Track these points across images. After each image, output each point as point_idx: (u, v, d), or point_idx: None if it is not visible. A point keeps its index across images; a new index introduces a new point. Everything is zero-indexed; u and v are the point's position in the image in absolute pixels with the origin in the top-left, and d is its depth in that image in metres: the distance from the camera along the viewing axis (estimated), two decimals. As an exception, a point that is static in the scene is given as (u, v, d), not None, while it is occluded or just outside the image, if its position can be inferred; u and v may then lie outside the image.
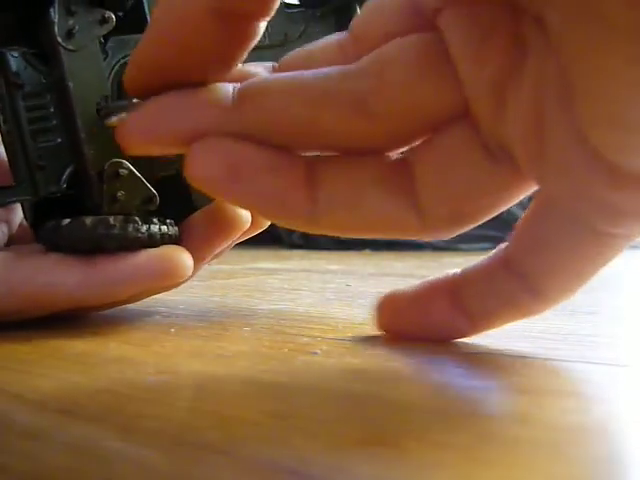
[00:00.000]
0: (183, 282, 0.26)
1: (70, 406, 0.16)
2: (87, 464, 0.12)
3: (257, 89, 0.19)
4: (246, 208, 0.23)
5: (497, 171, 0.20)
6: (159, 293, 0.28)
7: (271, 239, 1.04)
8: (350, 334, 0.26)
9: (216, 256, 0.28)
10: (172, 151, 0.19)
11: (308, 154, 0.20)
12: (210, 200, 0.26)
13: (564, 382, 0.19)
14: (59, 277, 0.24)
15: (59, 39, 0.24)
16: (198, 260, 0.26)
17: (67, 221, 0.24)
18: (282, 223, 0.20)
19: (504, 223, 1.24)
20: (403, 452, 0.13)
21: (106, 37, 0.26)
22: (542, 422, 0.15)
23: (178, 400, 0.17)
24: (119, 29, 0.26)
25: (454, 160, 0.20)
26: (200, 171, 0.19)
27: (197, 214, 0.27)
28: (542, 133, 0.18)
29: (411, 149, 0.21)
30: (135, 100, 0.20)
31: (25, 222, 0.28)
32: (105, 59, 0.25)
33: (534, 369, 0.21)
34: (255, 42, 0.19)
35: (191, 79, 0.19)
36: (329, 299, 0.38)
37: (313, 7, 0.28)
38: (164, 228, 0.25)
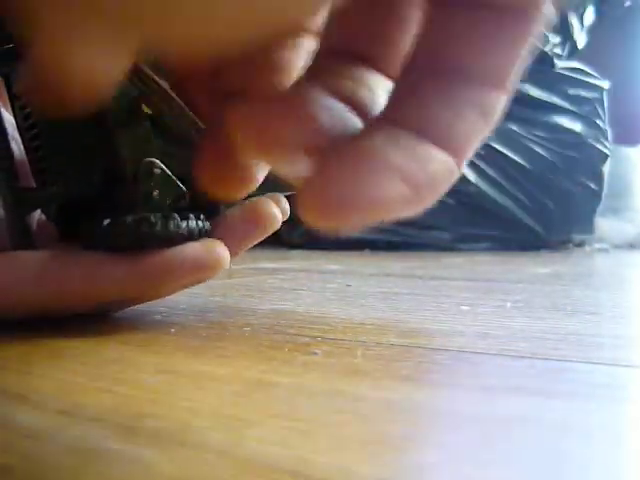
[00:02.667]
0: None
1: (70, 406, 0.16)
2: (87, 464, 0.12)
3: None
4: None
5: None
6: (194, 285, 0.28)
7: (271, 239, 1.03)
8: (350, 334, 0.26)
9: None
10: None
11: None
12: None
13: (565, 382, 0.19)
14: (108, 272, 0.24)
15: None
16: (232, 255, 0.26)
17: (107, 221, 0.24)
18: None
19: (504, 223, 1.24)
20: (403, 452, 0.13)
21: None
22: (542, 422, 0.15)
23: (178, 400, 0.17)
24: None
25: None
26: None
27: (233, 210, 0.28)
28: None
29: None
30: None
31: (42, 218, 0.28)
32: None
33: (534, 369, 0.21)
34: None
35: None
36: (329, 299, 0.38)
37: None
38: (200, 224, 0.26)
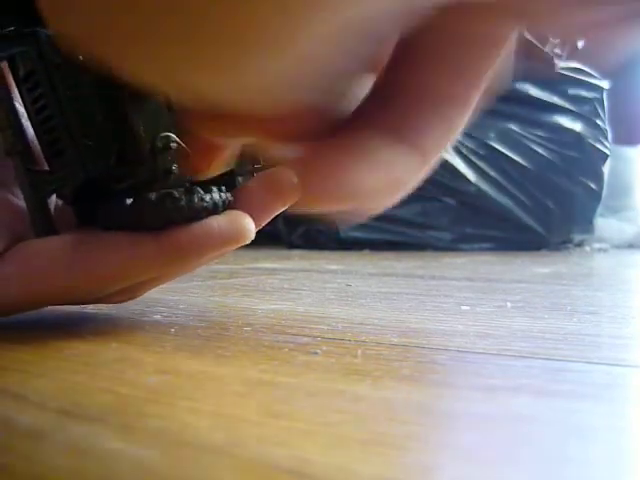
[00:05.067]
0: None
1: (70, 406, 0.16)
2: (87, 464, 0.12)
3: None
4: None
5: None
6: (219, 258, 0.28)
7: (271, 239, 1.04)
8: (350, 334, 0.26)
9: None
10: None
11: None
12: (251, 165, 0.27)
13: (565, 382, 0.19)
14: (136, 251, 0.24)
15: None
16: (255, 226, 0.26)
17: (130, 200, 0.24)
18: None
19: (504, 223, 1.24)
20: (403, 452, 0.13)
21: None
22: (542, 422, 0.15)
23: (178, 400, 0.17)
24: None
25: None
26: None
27: (252, 181, 0.27)
28: None
29: None
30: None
31: (60, 203, 0.28)
32: None
33: (534, 369, 0.21)
34: None
35: None
36: (329, 299, 0.38)
37: None
38: (222, 195, 0.25)
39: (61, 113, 0.24)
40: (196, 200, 0.24)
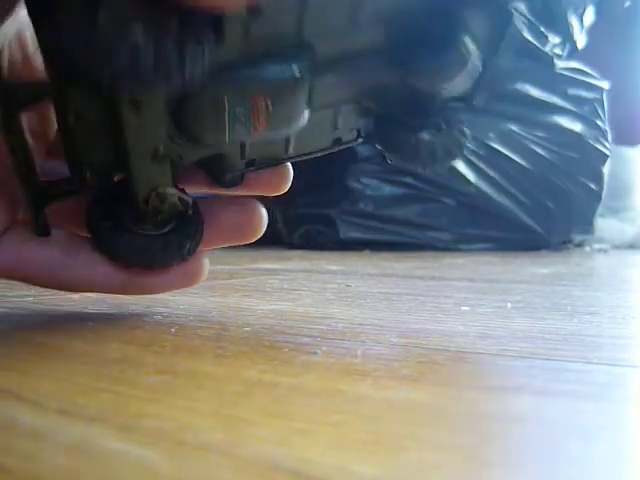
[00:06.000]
0: None
1: (70, 406, 0.16)
2: (87, 464, 0.12)
3: None
4: None
5: None
6: None
7: (271, 239, 1.04)
8: (350, 334, 0.26)
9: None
10: None
11: None
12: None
13: (565, 382, 0.19)
14: (106, 278, 0.27)
15: None
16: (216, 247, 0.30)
17: (115, 233, 0.26)
18: None
19: (504, 223, 1.24)
20: (403, 452, 0.13)
21: None
22: (542, 422, 0.15)
23: (178, 400, 0.17)
24: None
25: None
26: None
27: (226, 211, 0.29)
28: None
29: None
30: None
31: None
32: None
33: (534, 369, 0.21)
34: None
35: None
36: (329, 299, 0.38)
37: None
38: (194, 242, 0.27)
39: (66, 130, 0.24)
40: (170, 252, 0.27)
